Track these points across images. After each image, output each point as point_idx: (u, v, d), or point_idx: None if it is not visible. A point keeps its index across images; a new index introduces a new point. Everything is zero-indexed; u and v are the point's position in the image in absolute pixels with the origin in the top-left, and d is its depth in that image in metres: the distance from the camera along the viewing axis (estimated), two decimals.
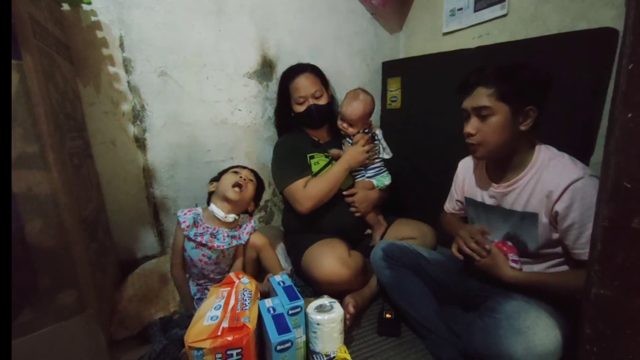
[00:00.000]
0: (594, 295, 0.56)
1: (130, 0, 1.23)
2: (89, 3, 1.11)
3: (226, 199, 1.13)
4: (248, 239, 1.19)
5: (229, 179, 1.14)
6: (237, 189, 1.12)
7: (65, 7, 1.13)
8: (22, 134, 0.72)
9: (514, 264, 0.87)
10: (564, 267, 0.87)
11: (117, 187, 1.33)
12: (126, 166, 1.34)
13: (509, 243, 0.91)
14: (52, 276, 0.80)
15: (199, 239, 1.10)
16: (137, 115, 1.32)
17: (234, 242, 1.15)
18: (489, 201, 0.96)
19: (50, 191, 0.77)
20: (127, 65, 1.27)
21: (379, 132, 1.33)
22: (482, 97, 0.84)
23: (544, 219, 0.83)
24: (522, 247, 0.88)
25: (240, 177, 1.15)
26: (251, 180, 1.20)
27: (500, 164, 0.91)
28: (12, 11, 0.69)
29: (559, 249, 0.85)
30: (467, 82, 0.88)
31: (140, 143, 1.34)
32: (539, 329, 0.73)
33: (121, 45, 1.25)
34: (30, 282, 0.77)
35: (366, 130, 1.29)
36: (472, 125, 0.87)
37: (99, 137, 1.27)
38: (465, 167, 1.07)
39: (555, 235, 0.83)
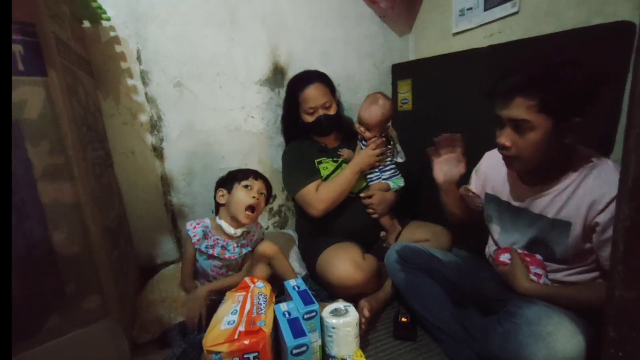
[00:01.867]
0: (617, 297, 0.54)
1: (147, 14, 1.28)
2: (109, 19, 1.17)
3: (237, 221, 1.13)
4: (255, 246, 1.19)
5: (242, 199, 1.10)
6: (249, 212, 1.11)
7: (86, 23, 1.18)
8: (49, 147, 0.76)
9: (534, 277, 0.84)
10: (592, 274, 0.82)
11: (136, 196, 1.38)
12: (145, 175, 1.38)
13: (537, 256, 0.86)
14: (77, 282, 0.83)
15: (210, 251, 1.12)
16: (155, 125, 1.37)
17: (244, 251, 1.17)
18: (515, 202, 0.91)
19: (75, 201, 0.81)
20: (144, 77, 1.32)
21: (394, 135, 1.33)
22: (521, 108, 0.73)
23: (577, 229, 0.78)
24: (549, 252, 0.84)
25: (254, 197, 1.12)
26: (262, 194, 1.17)
27: (536, 169, 0.84)
28: (38, 32, 0.73)
29: (589, 257, 0.81)
30: (504, 88, 0.76)
31: (158, 152, 1.39)
32: (561, 335, 0.71)
33: (138, 58, 1.30)
34: (58, 289, 0.81)
35: (383, 135, 1.28)
36: (506, 137, 0.78)
37: (119, 147, 1.32)
38: (492, 162, 0.99)
39: (588, 246, 0.79)
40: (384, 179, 1.33)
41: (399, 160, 1.34)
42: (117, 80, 1.29)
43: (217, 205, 1.21)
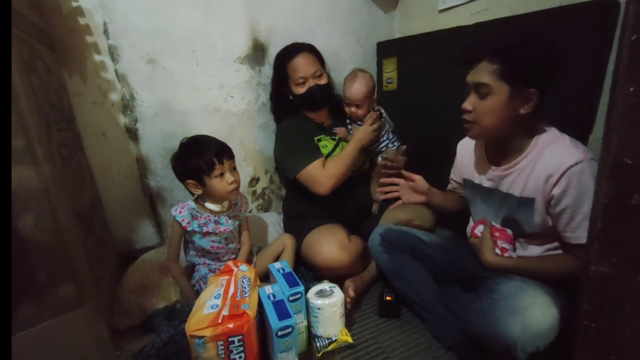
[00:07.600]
0: (593, 272, 0.56)
1: None
2: None
3: (227, 200, 1.13)
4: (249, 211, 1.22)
5: (223, 189, 1.07)
6: (233, 193, 1.10)
7: None
8: None
9: (499, 251, 0.88)
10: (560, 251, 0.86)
11: (111, 179, 1.31)
12: (119, 157, 1.31)
13: (508, 231, 0.90)
14: (48, 270, 0.79)
15: (204, 229, 1.11)
16: (127, 105, 1.29)
17: (237, 222, 1.18)
18: (486, 184, 0.94)
19: (41, 185, 0.75)
20: (113, 53, 1.23)
21: (380, 107, 1.33)
22: (483, 72, 0.79)
23: (540, 205, 0.82)
24: (520, 230, 0.88)
25: (232, 182, 1.08)
26: (234, 168, 1.13)
27: (499, 147, 0.89)
28: None
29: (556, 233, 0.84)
30: (472, 54, 0.82)
31: (132, 133, 1.31)
32: (536, 308, 0.74)
33: (105, 31, 1.20)
34: (28, 277, 0.76)
35: (375, 108, 1.29)
36: (469, 102, 0.84)
37: (89, 129, 1.24)
38: (464, 149, 1.05)
39: (551, 221, 0.82)
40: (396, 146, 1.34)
41: (390, 128, 1.35)
42: (83, 56, 1.19)
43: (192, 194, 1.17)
